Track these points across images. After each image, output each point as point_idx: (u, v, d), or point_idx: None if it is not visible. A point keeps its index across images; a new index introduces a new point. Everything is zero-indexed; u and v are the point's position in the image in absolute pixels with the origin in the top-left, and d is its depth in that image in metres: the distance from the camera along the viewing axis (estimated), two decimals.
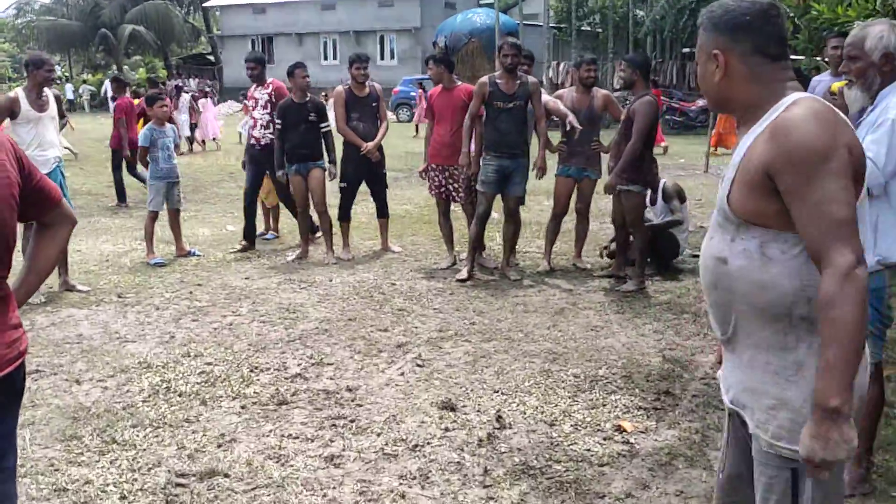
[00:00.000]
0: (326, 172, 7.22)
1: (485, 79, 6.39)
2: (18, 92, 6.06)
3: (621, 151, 5.97)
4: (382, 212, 7.57)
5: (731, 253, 1.79)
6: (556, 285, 6.31)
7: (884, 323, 2.99)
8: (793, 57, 17.47)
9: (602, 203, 8.39)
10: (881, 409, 3.15)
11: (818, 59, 8.57)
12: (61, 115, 6.56)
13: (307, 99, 7.15)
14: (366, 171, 7.28)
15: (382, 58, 36.34)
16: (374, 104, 7.25)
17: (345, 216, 7.35)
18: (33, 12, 45.14)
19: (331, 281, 6.46)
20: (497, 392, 4.14)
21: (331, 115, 7.37)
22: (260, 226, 8.55)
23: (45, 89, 6.05)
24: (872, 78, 2.89)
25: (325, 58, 37.46)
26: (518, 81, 6.25)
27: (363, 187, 7.43)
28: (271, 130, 7.29)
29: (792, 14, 10.60)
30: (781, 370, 1.76)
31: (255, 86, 7.72)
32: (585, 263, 6.94)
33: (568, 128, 6.54)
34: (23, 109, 5.90)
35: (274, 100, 7.40)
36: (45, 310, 5.65)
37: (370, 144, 7.13)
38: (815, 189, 1.62)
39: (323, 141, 7.21)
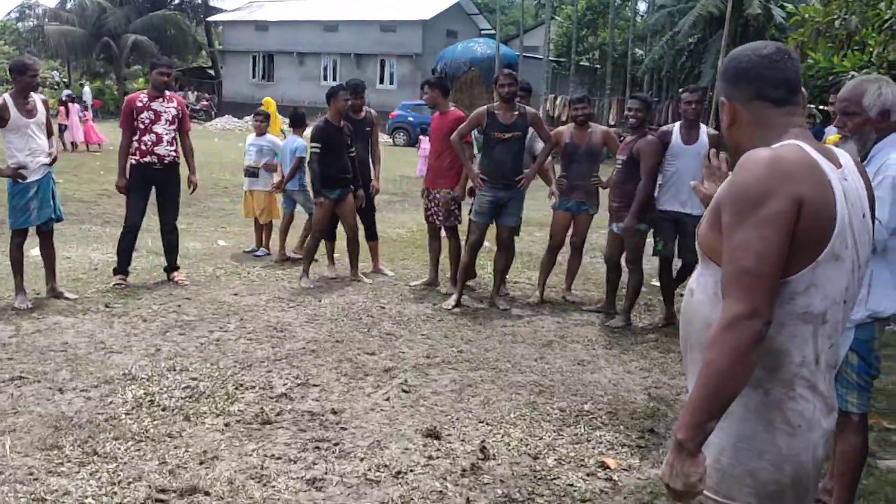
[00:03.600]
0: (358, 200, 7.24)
1: (483, 108, 6.44)
2: (6, 97, 5.84)
3: (625, 190, 6.03)
4: (372, 235, 7.60)
5: (697, 286, 1.82)
6: (546, 317, 6.33)
7: (871, 374, 3.02)
8: None
9: (593, 238, 8.43)
10: (864, 459, 3.17)
11: (812, 106, 8.71)
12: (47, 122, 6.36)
13: (343, 123, 7.02)
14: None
15: (382, 82, 36.57)
16: (367, 129, 7.30)
17: (331, 235, 7.49)
18: (36, 17, 45.17)
19: (320, 301, 6.45)
20: (482, 422, 4.14)
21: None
22: (252, 242, 8.57)
23: (32, 94, 5.92)
24: (869, 133, 2.95)
25: (325, 78, 37.60)
26: (516, 112, 6.30)
27: None
28: (175, 148, 6.76)
29: None
30: None
31: (152, 96, 6.65)
32: (575, 297, 6.97)
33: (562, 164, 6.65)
34: (12, 116, 5.75)
35: (181, 115, 6.77)
36: (31, 316, 5.61)
37: (375, 184, 7.41)
38: (739, 231, 1.61)
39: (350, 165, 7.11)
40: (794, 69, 1.77)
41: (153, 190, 6.78)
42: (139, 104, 6.61)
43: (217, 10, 43.91)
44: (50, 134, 6.10)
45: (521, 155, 6.44)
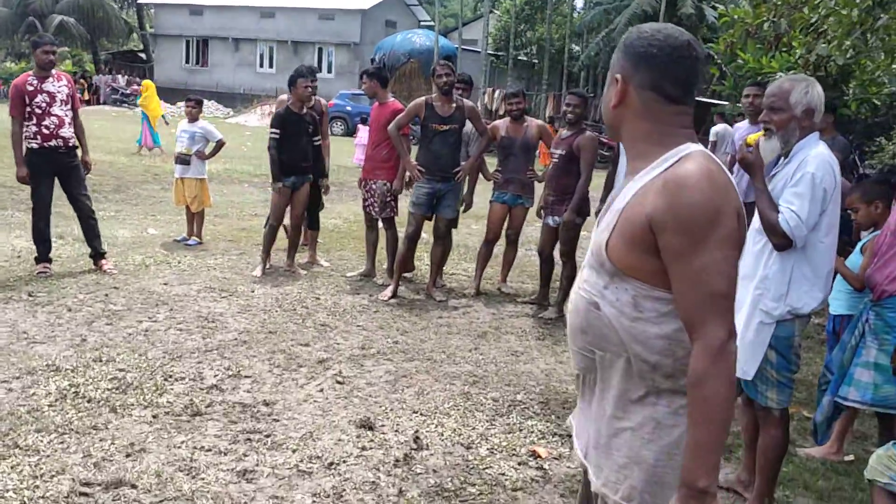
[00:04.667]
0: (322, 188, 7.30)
1: (421, 100, 6.44)
2: None
3: (561, 184, 6.14)
4: (313, 224, 7.54)
5: (603, 300, 1.69)
6: (481, 309, 6.38)
7: (791, 370, 3.11)
8: (717, 102, 18.07)
9: (528, 230, 8.52)
10: (784, 451, 3.28)
11: (741, 105, 8.99)
12: None
13: (305, 111, 6.96)
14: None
15: (319, 70, 36.17)
16: (316, 117, 7.21)
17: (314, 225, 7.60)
18: None
19: (253, 292, 6.36)
20: (416, 413, 4.15)
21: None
22: (183, 230, 8.38)
23: None
24: (792, 131, 3.04)
25: (262, 65, 37.08)
26: (454, 105, 6.32)
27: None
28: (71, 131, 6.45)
29: (719, 61, 11.05)
30: (638, 427, 1.68)
31: (41, 78, 6.30)
32: (510, 289, 7.04)
33: (502, 156, 6.70)
34: None
35: (72, 93, 6.44)
36: None
37: (325, 182, 7.44)
38: (699, 255, 1.54)
39: (313, 154, 7.06)
40: (698, 69, 1.68)
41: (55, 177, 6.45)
42: (30, 88, 6.24)
43: None
44: None
45: (459, 147, 6.47)
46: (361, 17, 35.34)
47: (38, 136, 6.26)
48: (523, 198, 6.75)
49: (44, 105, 6.24)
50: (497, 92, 27.44)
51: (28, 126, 6.23)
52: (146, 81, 10.67)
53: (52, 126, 6.27)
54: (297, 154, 6.89)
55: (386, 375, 4.67)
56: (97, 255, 6.71)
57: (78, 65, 43.73)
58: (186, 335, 5.16)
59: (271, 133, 6.88)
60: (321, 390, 4.37)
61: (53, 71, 6.40)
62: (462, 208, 6.95)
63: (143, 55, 43.30)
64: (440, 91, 6.28)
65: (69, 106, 6.41)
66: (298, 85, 6.87)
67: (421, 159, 6.40)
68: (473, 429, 3.99)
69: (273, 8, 37.03)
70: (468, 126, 6.51)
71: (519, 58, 33.17)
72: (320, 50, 36.23)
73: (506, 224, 6.88)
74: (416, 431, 3.87)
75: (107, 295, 5.95)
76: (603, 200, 6.02)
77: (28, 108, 6.22)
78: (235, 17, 37.59)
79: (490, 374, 4.82)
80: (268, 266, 7.05)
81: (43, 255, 6.49)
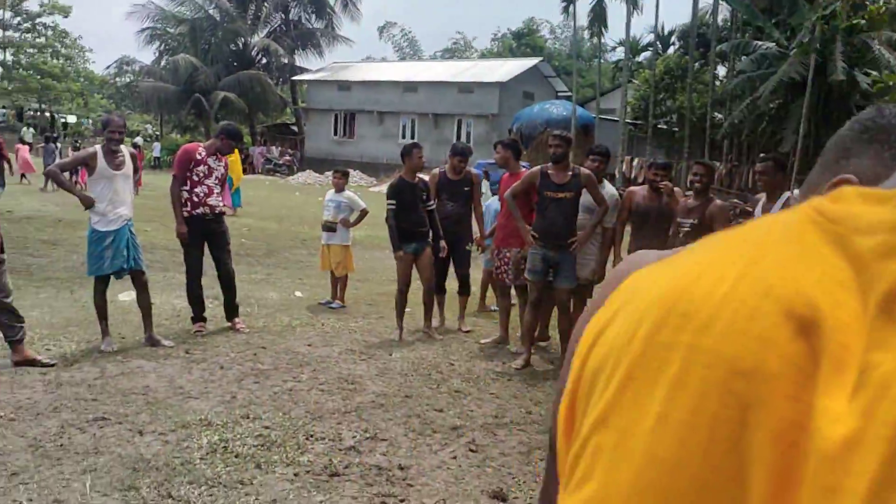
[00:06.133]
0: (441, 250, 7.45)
1: (537, 168, 6.51)
2: (97, 148, 6.24)
3: None
4: (463, 289, 7.71)
5: None
6: None
7: None
8: None
9: None
10: None
11: None
12: (135, 171, 6.63)
13: (417, 180, 7.27)
14: (450, 246, 7.48)
15: (458, 140, 37.21)
16: (466, 188, 7.45)
17: (440, 289, 7.67)
18: (133, 73, 47.99)
19: (391, 355, 6.52)
20: None
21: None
22: (327, 294, 8.75)
23: (123, 147, 6.28)
24: None
25: (403, 136, 38.50)
26: (570, 173, 6.34)
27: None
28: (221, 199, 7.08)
29: None
30: None
31: (209, 153, 6.91)
32: None
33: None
34: (99, 166, 6.10)
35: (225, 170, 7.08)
36: (116, 359, 5.85)
37: (479, 240, 7.63)
38: None
39: (428, 219, 7.32)
40: None
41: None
42: (198, 157, 6.85)
43: (302, 70, 45.69)
44: (137, 184, 6.48)
45: (575, 216, 6.42)
46: (500, 90, 36.23)
47: (188, 203, 6.81)
48: None
49: (201, 174, 6.82)
50: (636, 161, 27.22)
51: (182, 190, 6.80)
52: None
53: (202, 194, 6.81)
54: (414, 221, 7.13)
55: (519, 446, 4.63)
56: (232, 314, 7.17)
57: None
58: (327, 396, 5.34)
59: (389, 204, 7.16)
60: (454, 457, 4.39)
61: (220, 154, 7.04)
62: (594, 278, 6.85)
63: (294, 128, 46.12)
64: (552, 160, 6.32)
65: (220, 182, 7.01)
66: (413, 155, 7.15)
67: (536, 226, 6.43)
68: None
69: (416, 83, 38.67)
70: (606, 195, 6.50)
71: (658, 126, 32.84)
72: (459, 121, 37.32)
73: None
74: None
75: (255, 354, 6.27)
76: None
77: (188, 173, 6.80)
78: (381, 91, 39.48)
79: None
80: (402, 330, 7.22)
81: (198, 314, 6.96)
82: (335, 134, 41.55)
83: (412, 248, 7.18)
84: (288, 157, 40.34)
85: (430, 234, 7.29)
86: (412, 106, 38.53)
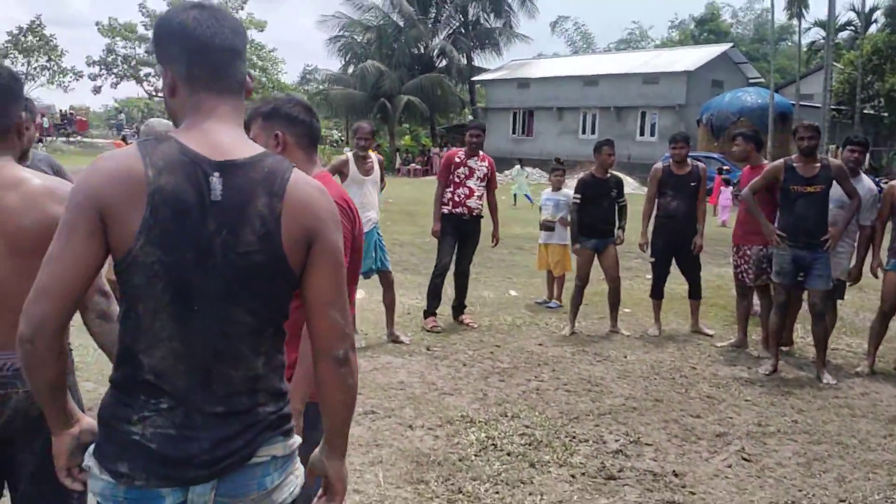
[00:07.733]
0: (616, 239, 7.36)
1: (780, 162, 6.11)
2: (349, 155, 6.55)
3: None
4: (693, 293, 7.41)
5: None
6: (881, 388, 5.76)
7: None
8: None
9: None
10: None
11: None
12: (381, 178, 6.96)
13: (608, 175, 7.28)
14: (675, 247, 7.22)
15: (642, 133, 36.23)
16: (693, 184, 7.15)
17: (656, 293, 7.36)
18: (317, 81, 50.67)
19: (626, 357, 6.40)
20: (843, 501, 3.82)
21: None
22: (541, 292, 8.75)
23: (371, 154, 6.59)
24: None
25: (583, 132, 38.01)
26: (818, 164, 5.89)
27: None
28: (482, 202, 7.23)
29: None
30: None
31: (466, 154, 7.19)
32: None
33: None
34: (351, 172, 6.40)
35: (490, 174, 7.20)
36: (366, 354, 6.12)
37: (697, 240, 7.14)
38: None
39: (617, 214, 7.32)
40: None
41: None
42: (457, 160, 7.15)
43: (481, 70, 46.20)
44: (382, 188, 6.78)
45: (826, 211, 5.96)
46: (687, 79, 34.83)
47: (450, 203, 7.12)
48: None
49: (462, 176, 7.11)
50: (840, 150, 25.33)
51: (445, 192, 7.13)
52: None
53: (462, 196, 7.09)
54: (597, 217, 7.16)
55: (795, 457, 4.37)
56: (461, 309, 7.43)
57: (415, 139, 48.50)
58: (576, 397, 5.32)
59: (574, 198, 7.32)
60: (729, 466, 4.21)
61: (480, 152, 7.26)
62: (847, 279, 6.39)
63: None
64: (801, 152, 5.90)
65: (484, 183, 7.19)
66: (602, 152, 7.22)
67: (783, 224, 6.02)
68: None
69: (597, 76, 37.99)
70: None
71: (865, 111, 30.34)
72: (643, 114, 36.29)
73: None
74: None
75: (492, 352, 6.36)
76: None
77: (450, 176, 7.11)
78: (560, 87, 39.16)
79: None
80: (574, 327, 7.22)
81: (432, 308, 7.19)
82: (513, 132, 41.70)
83: (591, 243, 7.22)
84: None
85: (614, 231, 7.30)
86: (593, 100, 37.92)
